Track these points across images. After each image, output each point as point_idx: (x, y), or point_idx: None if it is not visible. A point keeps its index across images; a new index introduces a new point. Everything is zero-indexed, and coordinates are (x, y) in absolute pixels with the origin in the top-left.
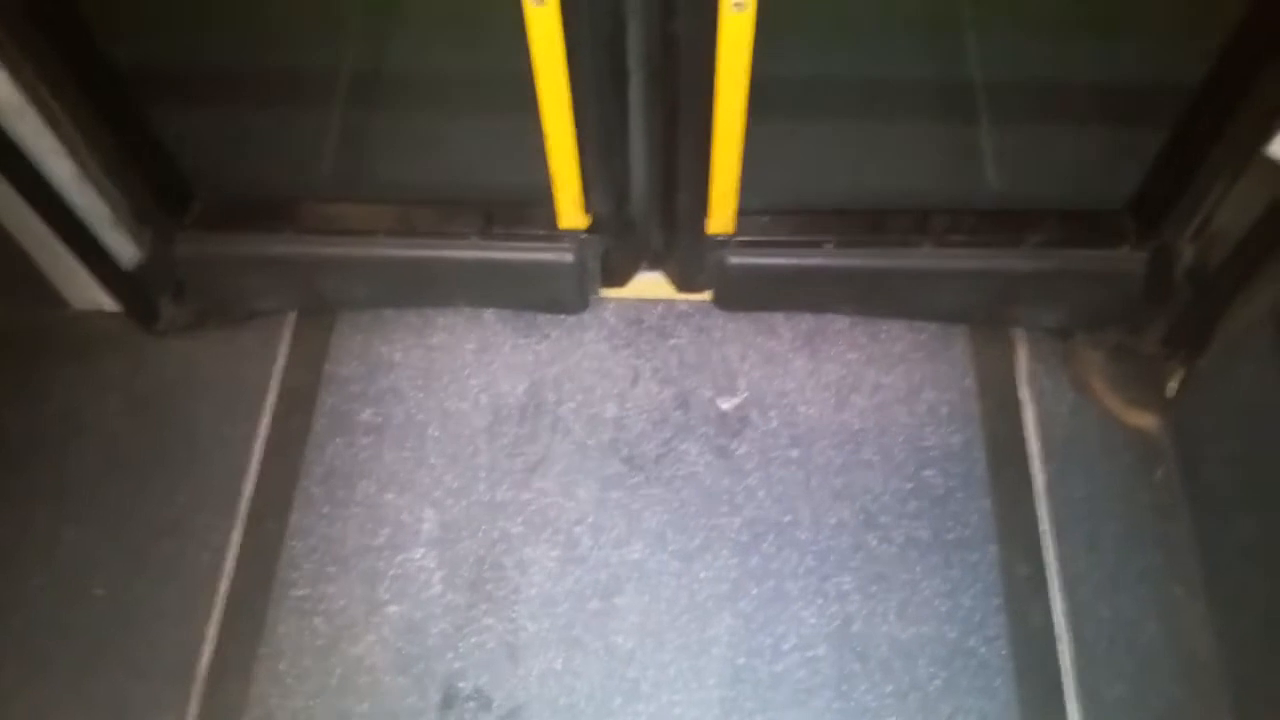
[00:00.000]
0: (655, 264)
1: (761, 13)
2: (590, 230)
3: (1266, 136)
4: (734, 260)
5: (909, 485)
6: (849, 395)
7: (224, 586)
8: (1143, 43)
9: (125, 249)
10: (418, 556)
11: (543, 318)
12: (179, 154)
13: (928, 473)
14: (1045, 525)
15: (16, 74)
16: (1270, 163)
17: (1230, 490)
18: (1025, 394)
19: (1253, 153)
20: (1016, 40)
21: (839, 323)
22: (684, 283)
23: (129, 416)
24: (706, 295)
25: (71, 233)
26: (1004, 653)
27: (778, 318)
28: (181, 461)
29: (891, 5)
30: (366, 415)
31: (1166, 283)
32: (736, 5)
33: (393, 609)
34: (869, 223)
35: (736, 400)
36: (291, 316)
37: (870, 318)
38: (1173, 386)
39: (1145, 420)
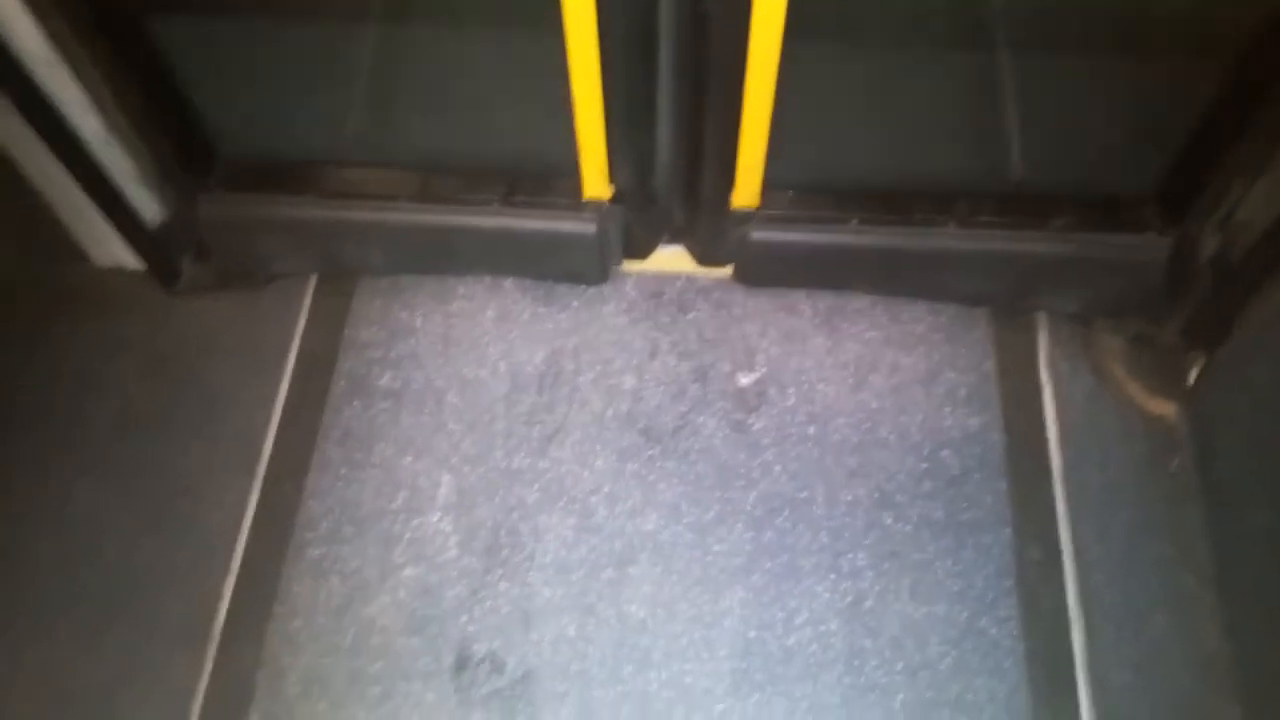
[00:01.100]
0: (677, 237)
1: None
2: (613, 202)
3: None
4: (756, 236)
5: (925, 465)
6: (868, 374)
7: (240, 546)
8: (1173, 29)
9: (149, 207)
10: (434, 520)
11: (563, 288)
12: (205, 114)
13: (944, 453)
14: (1060, 510)
15: (46, 26)
16: None
17: (1245, 482)
18: (1045, 379)
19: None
20: (1046, 24)
21: (859, 302)
22: (705, 257)
23: (147, 375)
24: (727, 270)
25: (97, 188)
26: (1015, 634)
27: (798, 295)
28: (199, 421)
29: None
30: (385, 380)
31: (1189, 272)
32: None
33: (408, 571)
34: (893, 202)
35: (755, 376)
36: (312, 280)
37: (891, 298)
38: (1192, 376)
39: (1164, 408)
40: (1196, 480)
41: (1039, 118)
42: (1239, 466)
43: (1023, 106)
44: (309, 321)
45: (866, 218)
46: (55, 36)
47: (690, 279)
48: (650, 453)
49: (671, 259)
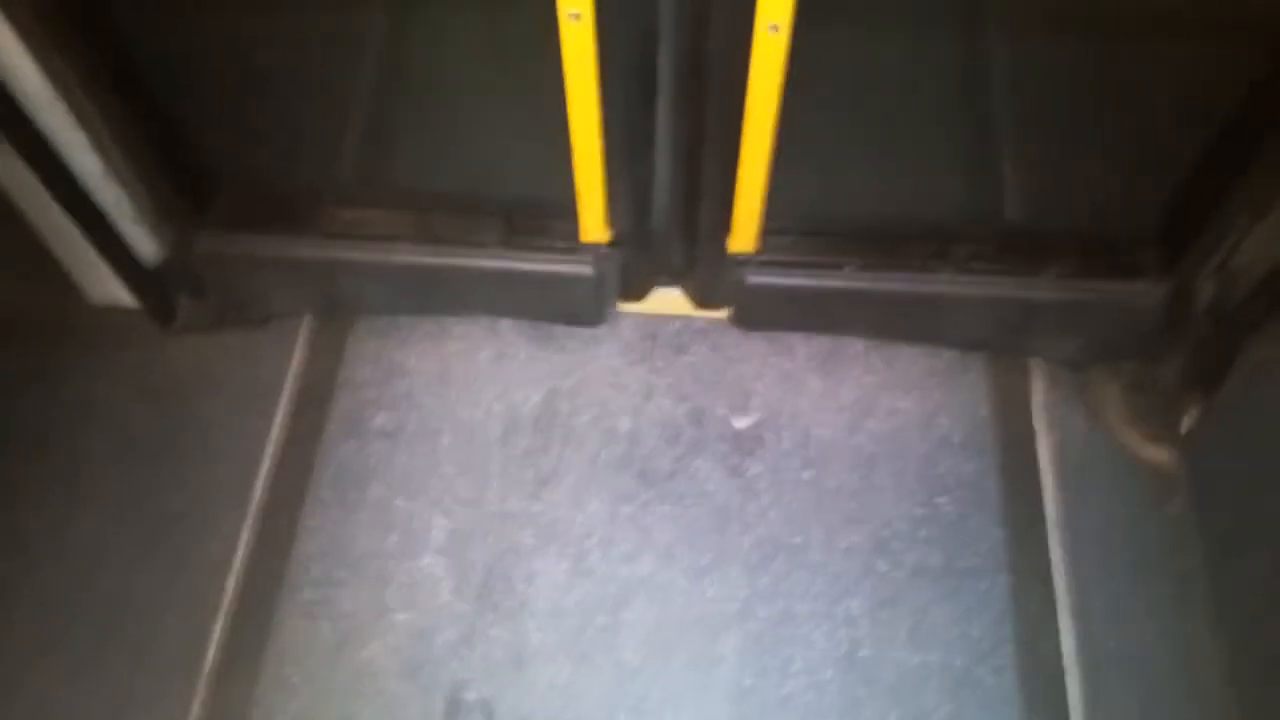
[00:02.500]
0: (674, 280)
1: (795, 36)
2: (611, 244)
3: None
4: (754, 279)
5: (921, 511)
6: (863, 419)
7: (232, 583)
8: (1170, 76)
9: (146, 245)
10: (426, 563)
11: (559, 329)
12: (203, 153)
13: (940, 499)
14: (1057, 556)
15: (46, 66)
16: None
17: (1242, 527)
18: (1040, 424)
19: (1278, 190)
20: (1045, 71)
21: (855, 345)
22: (702, 299)
23: (143, 409)
24: (724, 313)
25: (93, 227)
26: (1012, 683)
27: (795, 338)
28: (194, 456)
29: (922, 31)
30: (380, 420)
31: (1186, 317)
32: (772, 28)
33: (400, 615)
34: (890, 247)
35: (750, 419)
36: (308, 319)
37: (887, 342)
38: (1188, 421)
39: (1160, 454)
40: (1194, 525)
41: (1036, 163)
42: (1236, 512)
43: (1020, 152)
44: (304, 360)
45: (863, 262)
46: (54, 76)
47: (687, 321)
48: (645, 496)
49: (668, 301)
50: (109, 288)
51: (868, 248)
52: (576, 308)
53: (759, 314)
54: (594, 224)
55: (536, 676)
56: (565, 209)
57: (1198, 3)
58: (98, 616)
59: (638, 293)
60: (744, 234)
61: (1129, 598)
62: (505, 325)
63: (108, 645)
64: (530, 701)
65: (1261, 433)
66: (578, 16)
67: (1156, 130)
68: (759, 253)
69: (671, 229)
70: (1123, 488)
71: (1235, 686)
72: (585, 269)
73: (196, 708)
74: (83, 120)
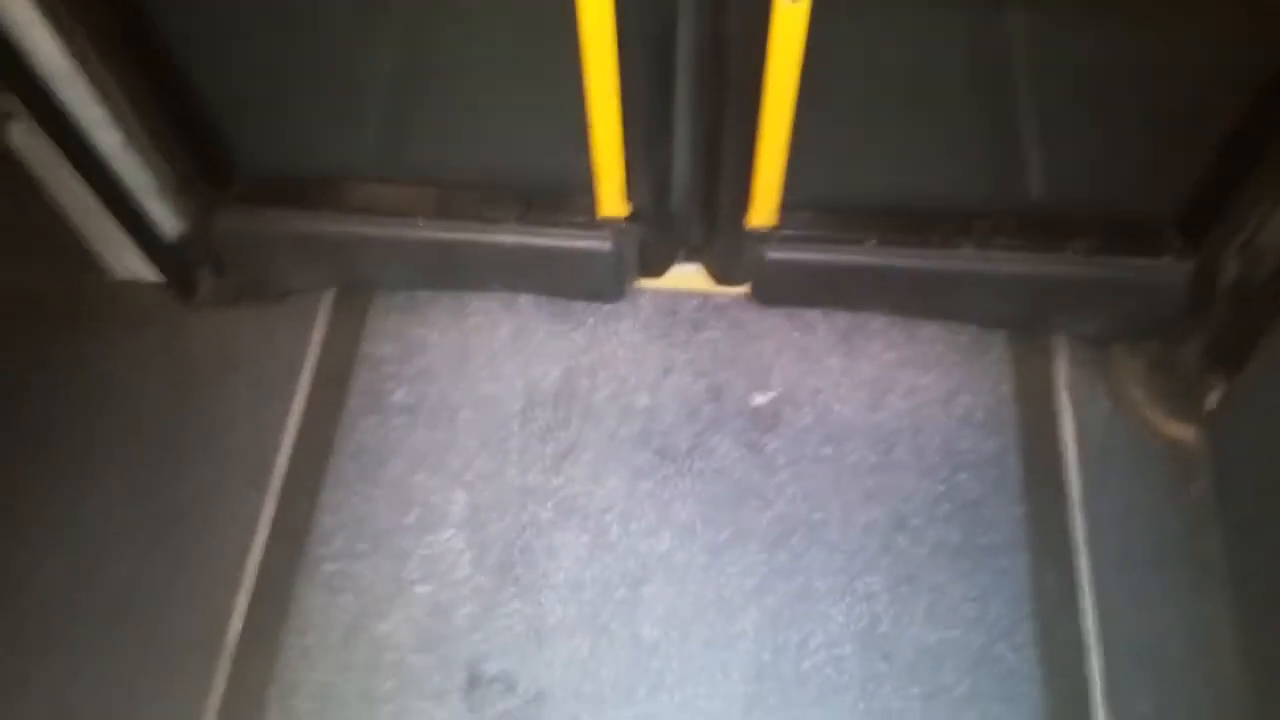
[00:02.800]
0: (693, 256)
1: (814, 9)
2: (630, 220)
3: None
4: (773, 255)
5: (941, 488)
6: (884, 395)
7: (253, 560)
8: (1196, 52)
9: (167, 220)
10: (447, 537)
11: (578, 305)
12: (224, 128)
13: (961, 476)
14: (1078, 535)
15: (69, 41)
16: None
17: (1264, 508)
18: (1063, 402)
19: None
20: (1069, 46)
21: (876, 322)
22: (722, 275)
23: (162, 387)
24: (743, 289)
25: (116, 201)
26: (1032, 661)
27: (814, 314)
28: (213, 434)
29: (944, 5)
30: (400, 395)
31: (1209, 296)
32: (792, 0)
33: (421, 589)
34: (911, 223)
35: (770, 395)
36: (328, 295)
37: (908, 318)
38: (1212, 400)
39: (1183, 433)
40: (1215, 506)
41: (1059, 139)
42: (1258, 492)
43: (1042, 127)
44: (325, 336)
45: (884, 238)
46: (76, 52)
47: (706, 297)
48: (664, 472)
49: (688, 277)
50: (131, 262)
51: (888, 223)
52: (595, 283)
53: (778, 290)
54: (612, 199)
55: (556, 650)
56: (583, 184)
57: None
58: (115, 600)
59: (657, 269)
60: (763, 209)
61: (1149, 579)
62: (524, 301)
63: (126, 628)
64: (550, 675)
65: None
66: None
67: (1181, 108)
68: (778, 228)
69: (690, 204)
70: (1144, 468)
71: (1253, 667)
72: (604, 244)
73: (218, 684)
74: (104, 95)
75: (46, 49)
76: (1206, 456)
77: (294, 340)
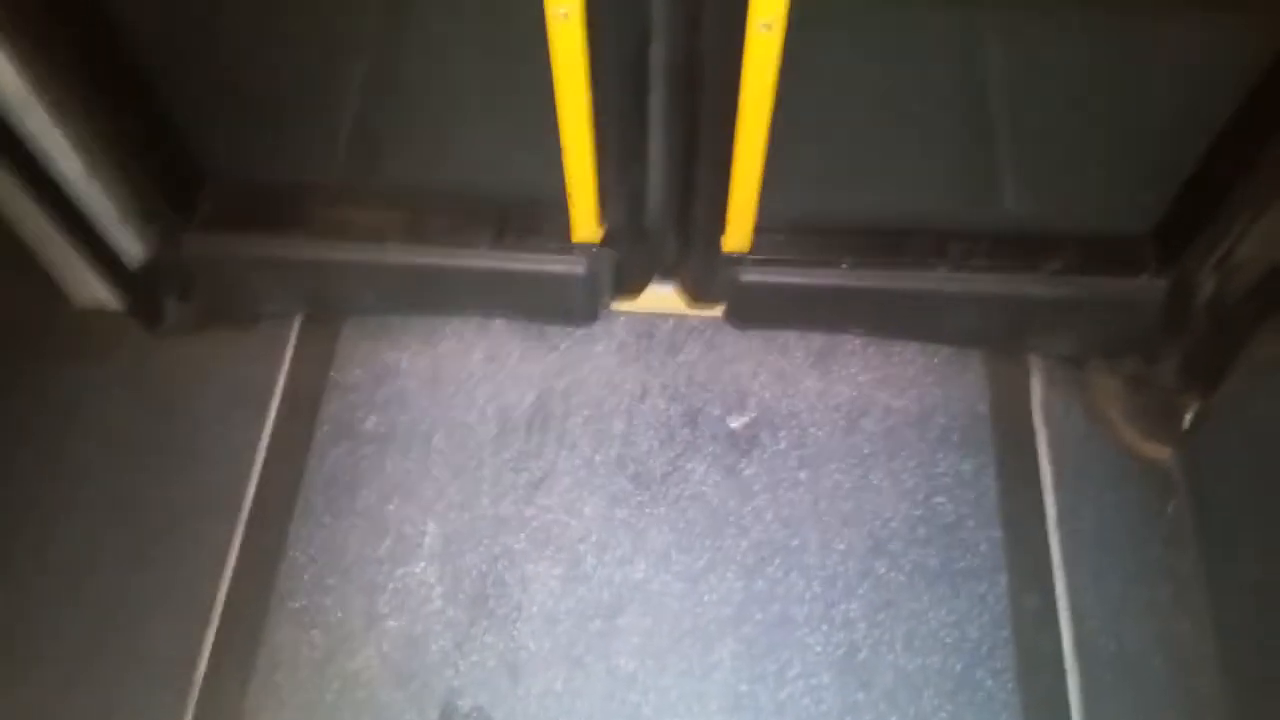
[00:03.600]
0: (668, 278)
1: (788, 34)
2: (603, 243)
3: None
4: (748, 277)
5: (918, 512)
6: (859, 418)
7: (222, 592)
8: (1172, 69)
9: (131, 247)
10: (419, 570)
11: (552, 328)
12: (189, 152)
13: (938, 499)
14: (1055, 556)
15: (28, 67)
16: None
17: (1242, 527)
18: (1039, 421)
19: (1278, 186)
20: (1043, 66)
21: (852, 343)
22: (697, 297)
23: (130, 415)
24: (719, 311)
25: (77, 230)
26: (1010, 687)
27: (790, 336)
28: (182, 463)
29: (917, 27)
30: (371, 423)
31: (1186, 313)
32: (764, 26)
33: (392, 623)
34: (886, 244)
35: (745, 419)
36: (297, 320)
37: (884, 339)
38: (1188, 418)
39: (1159, 452)
40: (1192, 524)
41: (1033, 159)
42: (1235, 511)
43: (1017, 147)
44: (294, 362)
45: (859, 259)
46: (33, 78)
47: (681, 319)
48: (640, 499)
49: (662, 299)
50: (94, 290)
51: (863, 245)
52: (569, 307)
53: (754, 312)
54: (586, 223)
55: (531, 684)
56: (557, 207)
57: None
58: (87, 625)
59: (631, 291)
60: (738, 232)
61: (1128, 598)
62: (498, 325)
63: (97, 654)
64: (525, 710)
65: (1260, 432)
66: (566, 15)
67: (1156, 125)
68: (753, 250)
69: (665, 227)
70: (1122, 486)
71: (1232, 686)
72: (578, 268)
73: (188, 716)
74: (64, 121)
75: (4, 75)
76: (1183, 475)
77: (263, 367)
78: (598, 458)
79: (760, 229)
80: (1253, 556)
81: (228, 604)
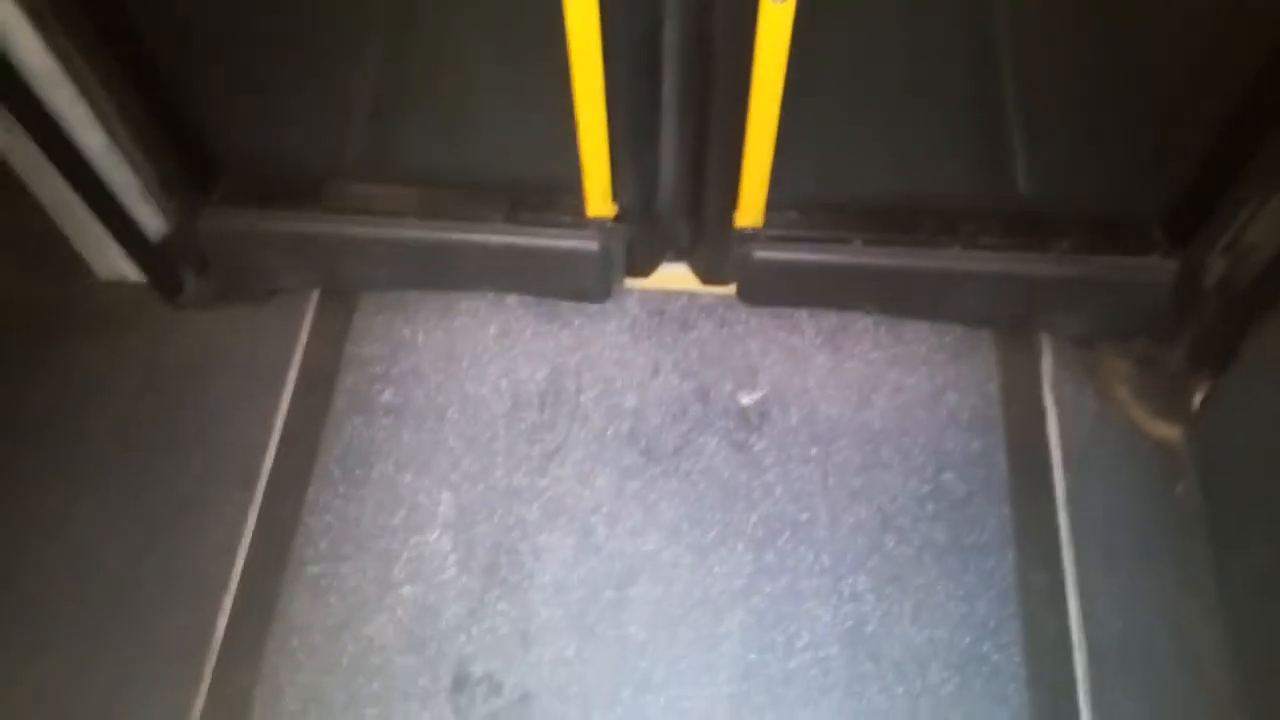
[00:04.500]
0: (680, 256)
1: (800, 8)
2: (616, 220)
3: None
4: (760, 254)
5: (928, 488)
6: (870, 395)
7: (239, 562)
8: (1183, 54)
9: (152, 221)
10: (433, 539)
11: (566, 305)
12: (209, 128)
13: (947, 476)
14: (1064, 534)
15: (53, 43)
16: None
17: (1250, 507)
18: (1049, 401)
19: None
20: (1055, 46)
21: (863, 321)
22: (708, 275)
23: (149, 389)
24: (731, 289)
25: (100, 203)
26: (1017, 661)
27: (801, 314)
28: (200, 436)
29: (930, 5)
30: (386, 396)
31: (1195, 295)
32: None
33: (407, 590)
34: (898, 222)
35: (757, 395)
36: (314, 295)
37: (895, 318)
38: (1198, 399)
39: (1169, 432)
40: (1201, 505)
41: (1045, 139)
42: (1243, 491)
43: (1029, 127)
44: (311, 337)
45: (870, 238)
46: (59, 52)
47: (693, 297)
48: (651, 472)
49: (675, 277)
50: (115, 263)
51: (874, 223)
52: (582, 284)
53: (765, 290)
54: (599, 200)
55: (543, 651)
56: (570, 185)
57: None
58: (103, 600)
59: (644, 269)
60: (750, 209)
61: (1135, 576)
62: (511, 301)
63: (114, 629)
64: (537, 676)
65: (1270, 412)
66: None
67: (1167, 108)
68: (765, 228)
69: (677, 204)
70: (1131, 466)
71: (1238, 670)
72: (590, 245)
73: (203, 686)
74: (87, 95)
75: (29, 50)
76: (1192, 455)
77: (280, 341)
78: (610, 431)
79: (772, 206)
80: (1259, 539)
81: (245, 570)
